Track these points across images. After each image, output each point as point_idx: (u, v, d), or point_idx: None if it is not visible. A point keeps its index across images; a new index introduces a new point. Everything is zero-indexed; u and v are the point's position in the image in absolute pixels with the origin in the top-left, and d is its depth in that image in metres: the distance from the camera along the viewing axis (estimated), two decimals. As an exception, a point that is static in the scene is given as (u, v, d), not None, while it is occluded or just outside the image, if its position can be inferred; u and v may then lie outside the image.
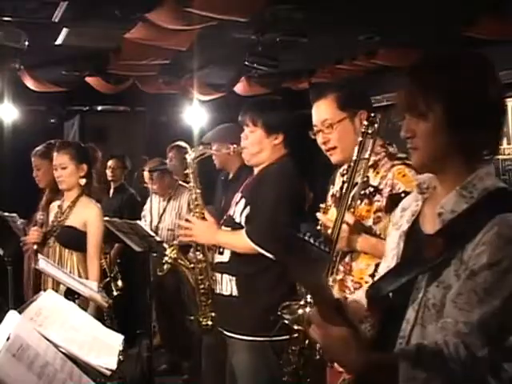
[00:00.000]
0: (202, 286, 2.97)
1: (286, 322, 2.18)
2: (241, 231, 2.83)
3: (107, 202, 5.42)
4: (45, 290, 2.19)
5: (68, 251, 3.45)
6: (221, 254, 2.93)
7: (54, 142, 3.85)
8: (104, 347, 1.88)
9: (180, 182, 5.15)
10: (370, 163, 2.31)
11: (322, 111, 2.47)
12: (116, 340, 1.99)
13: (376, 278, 1.65)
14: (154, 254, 3.88)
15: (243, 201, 2.92)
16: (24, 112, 7.62)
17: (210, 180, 4.86)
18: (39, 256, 3.09)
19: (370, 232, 2.29)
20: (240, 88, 7.17)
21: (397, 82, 1.54)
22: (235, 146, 3.04)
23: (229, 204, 3.06)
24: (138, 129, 8.44)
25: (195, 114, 7.93)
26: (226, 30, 5.03)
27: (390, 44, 5.71)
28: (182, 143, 4.78)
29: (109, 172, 5.82)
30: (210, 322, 2.95)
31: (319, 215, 2.40)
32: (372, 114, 2.25)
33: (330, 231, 2.21)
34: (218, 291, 2.94)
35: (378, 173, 2.35)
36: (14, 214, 4.10)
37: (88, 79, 6.69)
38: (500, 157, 5.75)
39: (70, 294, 2.57)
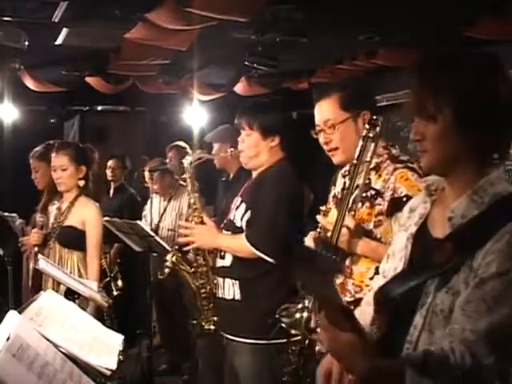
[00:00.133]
0: (203, 291, 2.95)
1: (283, 325, 2.18)
2: (242, 235, 2.81)
3: (107, 202, 5.42)
4: (45, 290, 2.19)
5: (68, 251, 3.45)
6: (222, 258, 2.91)
7: (53, 143, 3.83)
8: (104, 347, 1.88)
9: (181, 182, 5.15)
10: (372, 166, 2.27)
11: (325, 111, 2.44)
12: (116, 340, 1.99)
13: (384, 282, 1.62)
14: (154, 254, 3.88)
15: (243, 205, 2.90)
16: (24, 112, 7.62)
17: (211, 180, 4.86)
18: (39, 256, 3.09)
19: (370, 236, 2.27)
20: (240, 88, 7.16)
21: (397, 82, 1.53)
22: (233, 149, 3.03)
23: (229, 207, 3.04)
24: (137, 129, 8.44)
25: (195, 114, 7.93)
26: (226, 30, 5.03)
27: (390, 44, 5.68)
28: (182, 143, 4.77)
29: (109, 172, 5.82)
30: (212, 327, 2.93)
31: (319, 218, 2.36)
32: (374, 117, 2.22)
33: (329, 234, 2.18)
34: (220, 295, 2.91)
35: (380, 176, 2.31)
36: (14, 214, 4.09)
37: (88, 79, 6.68)
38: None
39: (70, 294, 2.58)
